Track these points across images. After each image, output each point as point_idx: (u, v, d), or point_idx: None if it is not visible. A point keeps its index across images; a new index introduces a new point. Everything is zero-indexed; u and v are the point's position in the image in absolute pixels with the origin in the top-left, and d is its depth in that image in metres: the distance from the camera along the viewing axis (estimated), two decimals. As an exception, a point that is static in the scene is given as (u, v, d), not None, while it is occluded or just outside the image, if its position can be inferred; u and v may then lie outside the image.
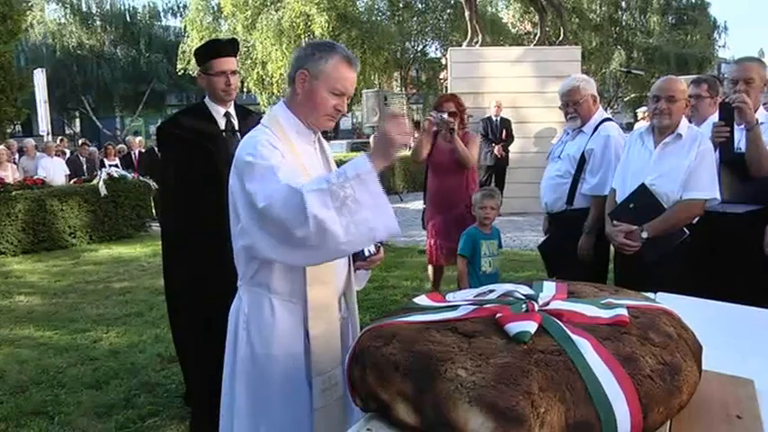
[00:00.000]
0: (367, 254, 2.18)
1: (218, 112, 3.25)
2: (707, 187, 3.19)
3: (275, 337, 2.03)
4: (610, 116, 4.05)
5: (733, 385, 1.53)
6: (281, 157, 1.92)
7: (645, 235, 3.18)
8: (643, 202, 3.21)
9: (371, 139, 2.05)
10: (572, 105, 3.79)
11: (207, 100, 3.28)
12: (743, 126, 3.20)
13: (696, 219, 3.24)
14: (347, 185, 1.76)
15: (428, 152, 4.89)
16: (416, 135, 4.96)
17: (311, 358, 2.05)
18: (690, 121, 3.55)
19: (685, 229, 3.19)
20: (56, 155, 11.85)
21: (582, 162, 3.74)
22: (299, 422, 2.05)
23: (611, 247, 3.61)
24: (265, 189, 1.83)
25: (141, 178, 10.52)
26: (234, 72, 3.23)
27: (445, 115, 4.70)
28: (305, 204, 1.73)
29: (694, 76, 4.29)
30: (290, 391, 2.04)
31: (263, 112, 23.58)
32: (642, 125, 3.59)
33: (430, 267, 5.18)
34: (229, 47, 3.27)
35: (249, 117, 3.43)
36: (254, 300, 2.08)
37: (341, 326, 2.17)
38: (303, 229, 1.74)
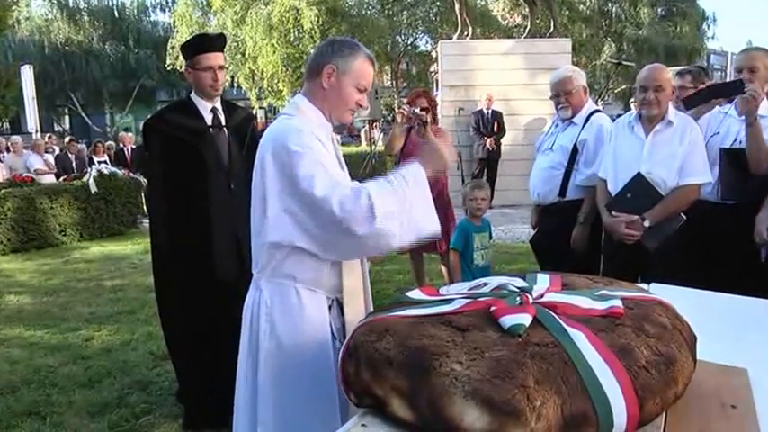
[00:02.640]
0: None
1: (205, 107, 3.22)
2: (702, 172, 3.24)
3: (303, 325, 2.05)
4: (599, 108, 4.05)
5: (727, 375, 1.53)
6: (325, 150, 1.99)
7: (647, 224, 3.20)
8: (640, 192, 3.21)
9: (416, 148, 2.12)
10: (563, 95, 3.78)
11: (193, 95, 3.25)
12: (743, 118, 3.20)
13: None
14: (408, 188, 1.90)
15: (401, 145, 5.00)
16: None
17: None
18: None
19: (682, 214, 3.21)
20: (45, 152, 11.74)
21: (574, 153, 3.74)
22: (330, 413, 2.05)
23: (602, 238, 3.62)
24: (324, 180, 1.88)
25: (133, 175, 10.46)
26: (221, 67, 3.20)
27: (418, 109, 4.74)
28: (372, 203, 1.82)
29: (679, 68, 4.29)
30: (320, 381, 2.04)
31: (252, 107, 23.43)
32: (627, 114, 3.59)
33: (412, 259, 5.32)
34: (217, 42, 3.24)
35: (236, 112, 3.41)
36: (277, 290, 2.08)
37: (366, 310, 2.19)
38: (367, 226, 1.83)
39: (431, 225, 1.96)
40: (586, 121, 3.75)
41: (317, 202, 1.87)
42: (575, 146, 3.73)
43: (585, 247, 3.68)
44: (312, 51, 2.21)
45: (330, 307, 2.11)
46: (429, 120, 4.80)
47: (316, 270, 2.05)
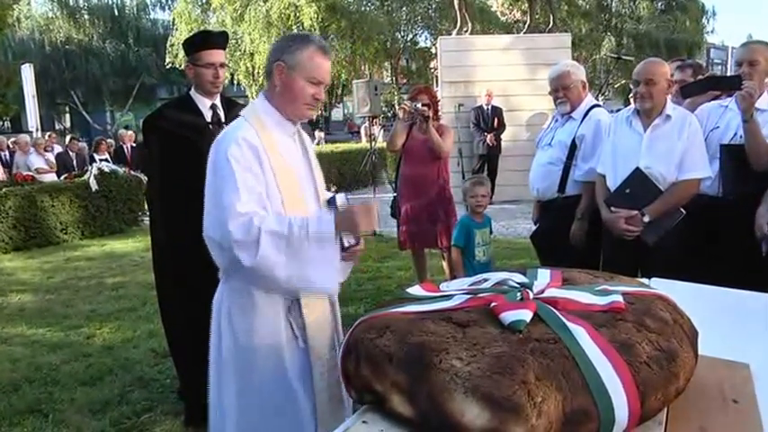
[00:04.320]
0: (346, 245, 2.17)
1: (204, 104, 3.21)
2: (701, 167, 3.24)
3: (257, 327, 2.07)
4: (599, 102, 4.04)
5: (729, 370, 1.52)
6: (258, 161, 1.98)
7: (646, 219, 3.19)
8: (639, 187, 3.21)
9: (340, 204, 2.12)
10: (562, 90, 3.78)
11: (193, 92, 3.24)
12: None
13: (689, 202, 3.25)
14: (305, 241, 1.90)
15: (403, 142, 5.02)
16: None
17: (308, 344, 2.10)
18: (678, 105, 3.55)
19: (682, 209, 3.21)
20: (45, 150, 11.75)
21: (573, 148, 3.73)
22: (289, 412, 2.09)
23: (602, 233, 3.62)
24: (232, 200, 1.92)
25: (133, 172, 10.45)
26: (222, 65, 3.20)
27: (419, 105, 4.74)
28: (260, 240, 1.86)
29: (678, 62, 4.28)
30: (278, 383, 2.07)
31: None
32: (626, 109, 3.59)
33: (413, 255, 5.34)
34: (219, 39, 3.24)
35: (235, 108, 3.40)
36: (234, 290, 2.11)
37: (332, 311, 2.25)
38: (249, 259, 1.89)
39: (324, 282, 1.99)
40: (585, 116, 3.74)
41: (221, 210, 1.93)
42: (573, 141, 3.72)
43: (584, 242, 3.67)
44: None
45: (290, 308, 2.10)
46: (431, 115, 4.81)
47: None
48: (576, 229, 3.70)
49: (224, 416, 2.15)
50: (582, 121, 3.74)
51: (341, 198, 2.22)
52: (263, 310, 2.07)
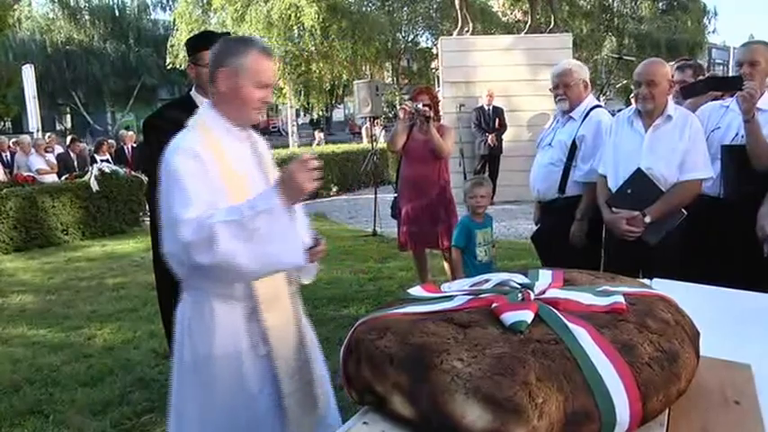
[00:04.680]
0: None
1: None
2: (703, 167, 3.23)
3: (216, 338, 2.04)
4: (600, 103, 4.03)
5: (730, 370, 1.52)
6: (204, 170, 1.94)
7: (648, 220, 3.18)
8: (641, 187, 3.20)
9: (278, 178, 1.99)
10: (562, 87, 3.77)
11: (194, 92, 3.24)
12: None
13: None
14: (258, 218, 1.83)
15: (404, 142, 5.01)
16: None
17: (272, 350, 2.08)
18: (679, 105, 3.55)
19: (683, 209, 3.20)
20: (45, 151, 11.76)
21: (573, 149, 3.73)
22: (251, 422, 2.08)
23: (603, 234, 3.61)
24: (180, 204, 1.88)
25: (134, 173, 10.46)
26: None
27: (420, 105, 4.74)
28: (214, 234, 1.80)
29: (677, 63, 4.28)
30: (238, 393, 2.06)
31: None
32: (627, 109, 3.58)
33: (414, 257, 5.32)
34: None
35: None
36: (194, 301, 2.10)
37: (295, 315, 2.22)
38: (209, 257, 1.82)
39: (290, 256, 1.91)
40: (586, 116, 3.74)
41: (173, 223, 1.89)
42: (574, 141, 3.72)
43: (584, 242, 3.67)
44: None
45: (250, 316, 2.08)
46: (432, 115, 4.81)
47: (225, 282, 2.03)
48: (575, 230, 3.69)
49: (186, 427, 2.13)
50: (582, 122, 3.73)
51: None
52: (222, 320, 2.05)
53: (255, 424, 2.08)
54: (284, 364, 2.10)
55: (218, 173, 1.97)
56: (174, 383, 2.17)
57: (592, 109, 3.76)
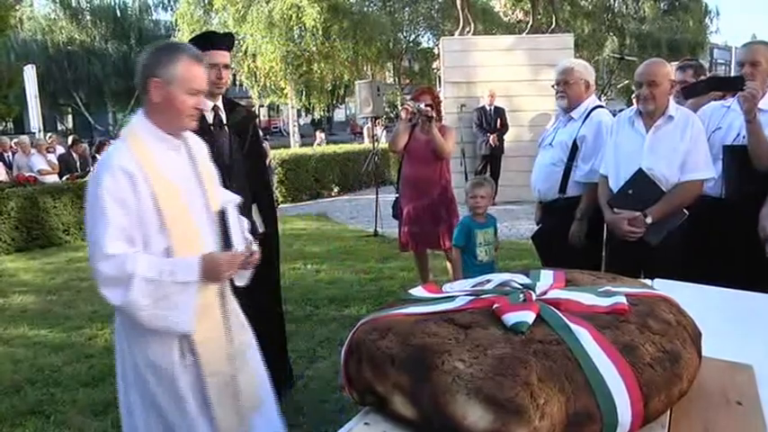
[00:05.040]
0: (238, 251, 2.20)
1: (206, 105, 3.21)
2: (704, 167, 3.22)
3: (151, 346, 2.09)
4: (602, 104, 4.02)
5: (732, 371, 1.52)
6: (132, 190, 1.97)
7: (649, 220, 3.18)
8: (642, 188, 3.20)
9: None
10: (562, 84, 3.77)
11: (195, 93, 3.24)
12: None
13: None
14: (172, 287, 1.97)
15: (405, 142, 4.99)
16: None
17: (199, 361, 2.11)
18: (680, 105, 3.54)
19: (684, 210, 3.20)
20: (47, 151, 11.77)
21: (574, 149, 3.72)
22: (193, 427, 2.12)
23: (604, 234, 3.61)
24: (101, 239, 1.94)
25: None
26: (226, 66, 3.19)
27: (422, 105, 4.73)
28: (130, 285, 1.92)
29: (678, 63, 4.28)
30: (173, 401, 2.10)
31: (254, 105, 23.45)
32: (629, 109, 3.58)
33: (415, 256, 5.30)
34: (224, 40, 3.24)
35: (236, 110, 3.40)
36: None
37: (225, 325, 2.22)
38: (117, 300, 1.95)
39: (183, 325, 2.02)
40: (587, 116, 3.73)
41: (94, 248, 1.97)
42: (574, 142, 3.71)
43: (583, 242, 3.66)
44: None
45: None
46: (433, 116, 4.81)
47: None
48: (575, 230, 3.68)
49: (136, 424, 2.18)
50: (583, 122, 3.73)
51: (232, 209, 2.22)
52: (155, 331, 2.08)
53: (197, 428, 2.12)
54: (212, 377, 2.13)
55: (150, 187, 2.00)
56: (119, 388, 2.22)
57: (593, 109, 3.76)
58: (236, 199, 2.39)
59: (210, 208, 2.20)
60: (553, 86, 3.89)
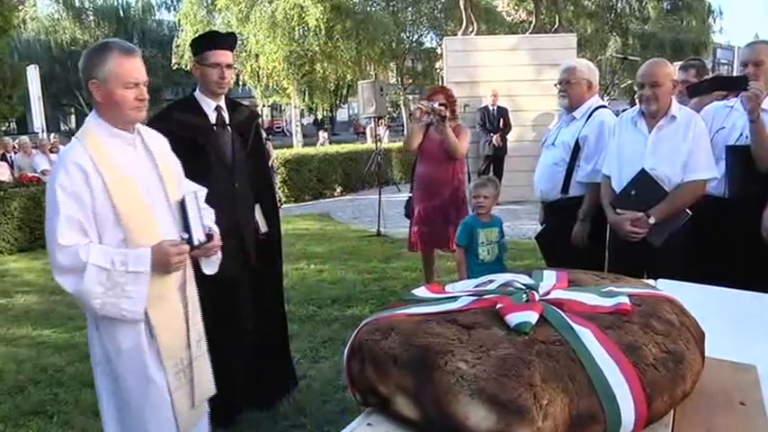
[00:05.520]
0: (197, 243, 2.28)
1: (209, 105, 3.21)
2: (707, 168, 3.21)
3: (118, 332, 2.19)
4: (605, 103, 4.01)
5: (736, 372, 1.51)
6: (85, 185, 2.09)
7: (652, 221, 3.17)
8: (645, 188, 3.19)
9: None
10: (564, 84, 3.78)
11: (198, 93, 3.24)
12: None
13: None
14: (124, 276, 2.09)
15: (420, 142, 4.96)
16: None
17: (159, 345, 2.23)
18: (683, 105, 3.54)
19: (687, 210, 3.19)
20: (50, 151, 11.79)
21: (576, 149, 3.72)
22: (157, 409, 2.24)
23: (607, 234, 3.60)
24: (57, 230, 2.06)
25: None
26: (229, 66, 3.19)
27: (436, 105, 4.71)
28: (83, 274, 2.05)
29: (682, 63, 4.27)
30: (144, 382, 2.22)
31: (257, 105, 23.47)
32: (631, 110, 3.57)
33: (423, 257, 5.27)
34: (227, 40, 3.24)
35: (239, 110, 3.41)
36: None
37: (184, 313, 2.33)
38: (71, 288, 2.08)
39: (132, 314, 2.14)
40: (589, 116, 3.73)
41: (50, 237, 2.09)
42: (577, 142, 3.71)
43: (586, 243, 3.65)
44: None
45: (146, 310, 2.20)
46: (447, 115, 4.76)
47: None
48: (577, 231, 3.68)
49: (106, 415, 2.31)
50: (585, 122, 3.72)
51: (191, 199, 2.30)
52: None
53: (153, 414, 2.24)
54: (170, 361, 2.25)
55: (103, 181, 2.11)
56: (95, 371, 2.32)
57: (596, 109, 3.75)
58: (200, 189, 2.50)
59: (170, 199, 2.30)
60: (556, 86, 3.89)
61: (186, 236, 2.25)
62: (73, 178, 2.08)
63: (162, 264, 2.15)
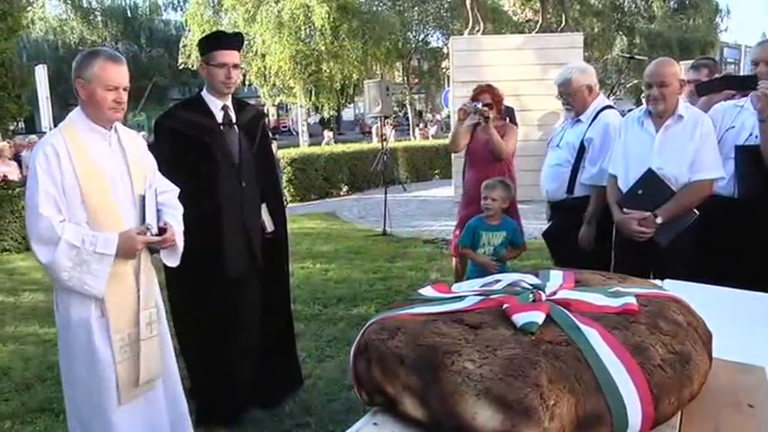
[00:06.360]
0: (151, 236, 2.51)
1: (216, 104, 3.22)
2: (714, 167, 3.20)
3: (71, 305, 2.43)
4: (611, 103, 4.00)
5: (744, 373, 1.50)
6: (58, 167, 2.33)
7: (659, 220, 3.16)
8: (652, 188, 3.18)
9: None
10: (565, 96, 3.78)
11: (204, 92, 3.25)
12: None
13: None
14: (92, 255, 2.34)
15: (467, 142, 4.83)
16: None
17: (109, 319, 2.44)
18: (692, 104, 3.52)
19: (695, 210, 3.18)
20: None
21: (581, 151, 3.71)
22: (100, 379, 2.44)
23: (613, 234, 3.59)
24: (36, 202, 2.31)
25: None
26: (236, 66, 3.20)
27: (479, 105, 4.63)
28: (56, 247, 2.30)
29: (692, 62, 4.25)
30: (89, 353, 2.44)
31: (264, 105, 23.50)
32: (638, 109, 3.55)
33: (454, 259, 5.08)
34: (234, 40, 3.25)
35: (246, 109, 3.42)
36: None
37: (137, 292, 2.53)
38: (44, 258, 2.32)
39: (93, 290, 2.38)
40: (594, 118, 3.72)
41: (30, 210, 2.34)
42: (582, 143, 3.70)
43: (592, 245, 3.64)
44: None
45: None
46: (490, 116, 4.64)
47: None
48: (583, 233, 3.67)
49: (63, 381, 2.58)
50: (590, 124, 3.71)
51: (149, 195, 2.56)
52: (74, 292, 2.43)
53: (96, 383, 2.45)
54: (117, 334, 2.45)
55: (74, 167, 2.36)
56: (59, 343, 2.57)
57: (601, 110, 3.74)
58: (172, 190, 2.77)
59: (135, 193, 2.55)
60: (556, 98, 3.90)
61: (151, 226, 2.51)
62: (48, 158, 2.33)
63: (127, 249, 2.42)
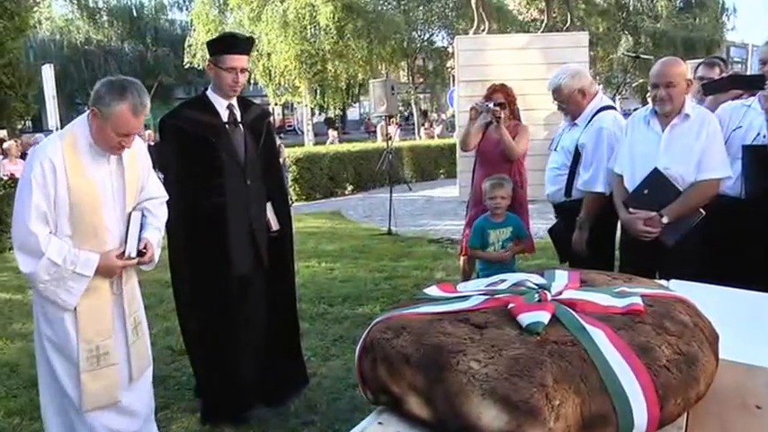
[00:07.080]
0: (126, 256, 2.57)
1: (221, 103, 3.22)
2: (720, 167, 3.17)
3: (48, 304, 2.50)
4: (611, 103, 3.96)
5: (751, 374, 1.50)
6: (53, 179, 2.36)
7: (665, 220, 3.14)
8: (658, 187, 3.17)
9: None
10: (559, 102, 3.79)
11: (210, 91, 3.25)
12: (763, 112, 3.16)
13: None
14: (70, 274, 2.41)
15: (478, 142, 4.79)
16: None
17: (79, 328, 2.51)
18: (700, 103, 3.51)
19: (701, 209, 3.16)
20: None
21: (577, 155, 3.70)
22: (68, 377, 2.56)
23: (617, 234, 3.58)
24: (26, 215, 2.36)
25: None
26: (243, 70, 3.20)
27: (491, 104, 4.61)
28: (38, 262, 2.37)
29: (703, 60, 4.24)
30: (64, 360, 2.54)
31: (269, 104, 23.50)
32: (644, 108, 3.54)
33: (461, 259, 5.05)
34: (245, 44, 3.25)
35: (251, 108, 3.42)
36: None
37: (112, 302, 2.61)
38: (25, 268, 2.41)
39: (66, 304, 2.47)
40: (589, 122, 3.70)
41: (18, 218, 2.39)
42: (576, 148, 3.69)
43: (586, 253, 3.60)
44: None
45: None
46: (501, 116, 4.59)
47: None
48: (576, 238, 3.65)
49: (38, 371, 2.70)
50: (585, 128, 3.69)
51: (135, 216, 2.60)
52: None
53: (67, 380, 2.56)
54: (85, 345, 2.52)
55: (69, 184, 2.39)
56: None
57: (598, 112, 3.71)
58: (160, 196, 2.81)
59: (125, 209, 2.59)
60: (552, 102, 3.90)
61: (131, 252, 2.58)
62: (45, 174, 2.35)
63: (106, 271, 2.50)
